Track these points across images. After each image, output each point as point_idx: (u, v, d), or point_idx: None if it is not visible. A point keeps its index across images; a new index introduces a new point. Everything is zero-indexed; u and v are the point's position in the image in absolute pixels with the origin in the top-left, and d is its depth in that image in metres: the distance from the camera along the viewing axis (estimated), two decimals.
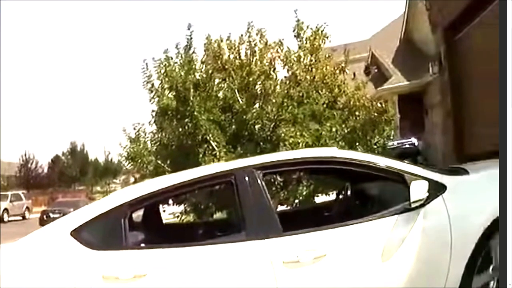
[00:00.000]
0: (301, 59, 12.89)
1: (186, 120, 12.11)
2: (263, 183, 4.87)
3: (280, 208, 10.63)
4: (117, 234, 4.71)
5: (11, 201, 44.78)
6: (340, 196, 6.93)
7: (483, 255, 4.68)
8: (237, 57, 13.21)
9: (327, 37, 12.84)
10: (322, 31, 12.82)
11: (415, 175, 4.86)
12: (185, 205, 12.54)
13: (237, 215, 4.95)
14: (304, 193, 11.51)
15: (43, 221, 31.86)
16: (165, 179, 5.57)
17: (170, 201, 11.30)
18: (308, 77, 12.45)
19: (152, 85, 12.98)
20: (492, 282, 4.76)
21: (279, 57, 12.94)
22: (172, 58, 13.02)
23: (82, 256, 4.56)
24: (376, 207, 5.20)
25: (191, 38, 13.01)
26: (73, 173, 76.91)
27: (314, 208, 8.11)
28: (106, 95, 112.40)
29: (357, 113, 12.38)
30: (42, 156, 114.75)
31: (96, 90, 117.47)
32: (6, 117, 71.55)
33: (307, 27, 12.97)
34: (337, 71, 12.92)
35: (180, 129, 12.61)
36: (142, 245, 5.22)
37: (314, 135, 11.42)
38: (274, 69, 13.03)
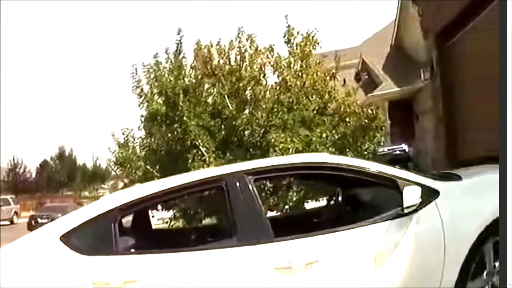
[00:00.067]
0: (292, 65, 12.89)
1: (175, 125, 12.09)
2: (254, 189, 4.83)
3: (271, 214, 10.56)
4: (107, 239, 4.66)
5: None
6: (332, 202, 6.89)
7: (476, 260, 4.68)
8: (227, 62, 13.20)
9: (317, 43, 12.84)
10: (312, 37, 12.82)
11: (408, 180, 4.84)
12: (174, 211, 12.47)
13: (228, 220, 4.90)
14: (294, 199, 11.47)
15: (31, 226, 31.80)
16: (156, 184, 5.52)
17: (159, 207, 11.18)
18: (298, 83, 12.43)
19: (142, 90, 12.94)
20: (486, 287, 4.75)
21: (269, 62, 12.92)
22: (161, 63, 13.02)
23: (71, 261, 4.50)
24: (368, 212, 5.18)
25: (181, 43, 13.02)
26: (61, 178, 76.65)
27: (306, 214, 8.06)
28: (95, 99, 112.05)
29: (347, 119, 12.38)
30: (30, 160, 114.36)
31: (85, 94, 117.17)
32: None
33: (298, 33, 12.99)
34: (328, 77, 12.90)
35: (169, 135, 12.59)
36: (132, 250, 5.17)
37: (304, 141, 11.40)
38: (264, 75, 13.02)
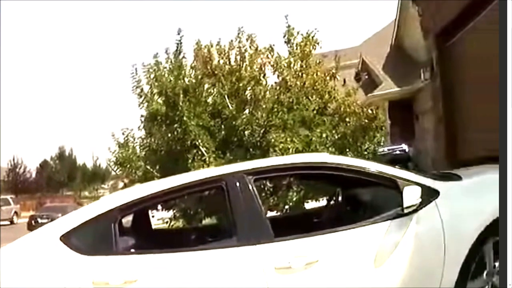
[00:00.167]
0: (292, 65, 12.88)
1: (175, 125, 12.08)
2: (254, 189, 4.83)
3: (271, 214, 10.55)
4: (107, 239, 4.65)
5: None
6: (331, 202, 6.88)
7: (477, 260, 4.68)
8: (227, 62, 13.20)
9: (317, 43, 12.83)
10: (312, 37, 12.81)
11: (408, 180, 4.84)
12: (174, 211, 12.46)
13: (228, 220, 4.90)
14: (294, 199, 11.46)
15: (31, 226, 31.79)
16: (156, 184, 5.51)
17: (159, 207, 11.18)
18: (298, 83, 12.42)
19: (142, 90, 12.93)
20: (486, 287, 4.75)
21: (269, 62, 12.91)
22: (161, 63, 13.01)
23: (71, 261, 4.50)
24: (368, 212, 5.18)
25: (180, 43, 13.02)
26: (61, 178, 76.61)
27: (306, 214, 8.06)
28: (95, 99, 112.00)
29: (347, 119, 12.37)
30: (30, 160, 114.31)
31: (85, 94, 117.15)
32: None
33: (298, 33, 12.98)
34: (328, 77, 12.89)
35: (169, 135, 12.59)
36: (132, 250, 5.17)
37: (304, 141, 11.39)
38: (264, 75, 13.02)
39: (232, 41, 13.24)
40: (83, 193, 77.17)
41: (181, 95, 12.07)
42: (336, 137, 11.92)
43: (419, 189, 4.60)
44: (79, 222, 4.73)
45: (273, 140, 11.29)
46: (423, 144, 23.53)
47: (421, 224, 4.65)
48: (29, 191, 70.01)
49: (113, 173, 24.85)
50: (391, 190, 4.82)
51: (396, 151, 25.07)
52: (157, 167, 12.80)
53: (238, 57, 13.12)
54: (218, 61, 13.24)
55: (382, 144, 13.92)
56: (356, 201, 6.02)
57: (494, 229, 4.60)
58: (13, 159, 74.88)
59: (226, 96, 12.51)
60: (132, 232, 5.72)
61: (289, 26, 12.93)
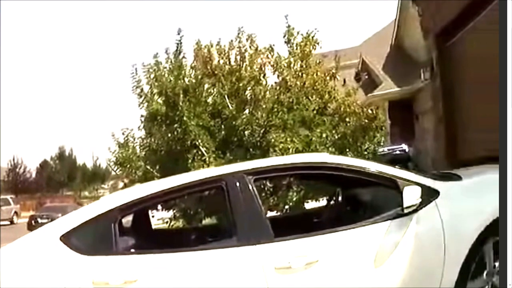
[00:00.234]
0: (292, 65, 12.87)
1: (175, 125, 12.07)
2: (254, 189, 4.83)
3: (271, 214, 10.55)
4: (107, 239, 4.66)
5: None
6: (332, 202, 6.88)
7: (477, 260, 4.68)
8: (227, 62, 13.19)
9: (317, 43, 12.82)
10: (312, 37, 12.80)
11: (408, 180, 4.84)
12: (174, 211, 12.45)
13: (228, 220, 4.90)
14: (294, 199, 11.45)
15: (31, 226, 31.80)
16: (156, 184, 5.52)
17: (159, 207, 11.17)
18: (298, 83, 12.41)
19: (141, 90, 12.92)
20: (486, 287, 4.75)
21: (269, 62, 12.90)
22: (161, 63, 13.00)
23: (71, 261, 4.50)
24: (368, 212, 5.19)
25: (180, 43, 13.00)
26: (61, 178, 76.56)
27: (306, 214, 8.06)
28: (95, 99, 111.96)
29: (347, 119, 12.35)
30: (30, 160, 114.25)
31: (85, 94, 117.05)
32: None
33: (298, 33, 12.97)
34: (328, 77, 12.87)
35: (169, 135, 12.58)
36: (132, 250, 5.17)
37: (304, 141, 11.38)
38: (264, 74, 13.00)
39: (232, 41, 13.24)
40: (83, 193, 77.11)
41: (181, 95, 12.06)
42: (336, 137, 11.91)
43: (419, 189, 4.60)
44: (79, 222, 4.73)
45: (273, 140, 11.28)
46: (423, 144, 23.55)
47: (421, 224, 4.65)
48: (29, 191, 70.00)
49: (113, 173, 24.81)
50: (391, 190, 4.82)
51: (396, 151, 25.08)
52: (157, 167, 12.79)
53: (238, 57, 13.11)
54: (218, 61, 13.23)
55: (382, 144, 13.92)
56: (356, 201, 6.02)
57: (494, 229, 4.60)
58: (13, 159, 74.92)
59: (226, 96, 12.50)
60: (132, 232, 5.71)
61: (289, 26, 12.93)
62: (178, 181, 5.11)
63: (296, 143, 11.15)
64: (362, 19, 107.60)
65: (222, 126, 12.49)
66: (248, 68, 12.89)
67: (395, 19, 29.81)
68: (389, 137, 22.21)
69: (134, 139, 13.51)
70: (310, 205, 11.78)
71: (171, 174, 6.47)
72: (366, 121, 12.25)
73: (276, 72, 12.87)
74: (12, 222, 45.41)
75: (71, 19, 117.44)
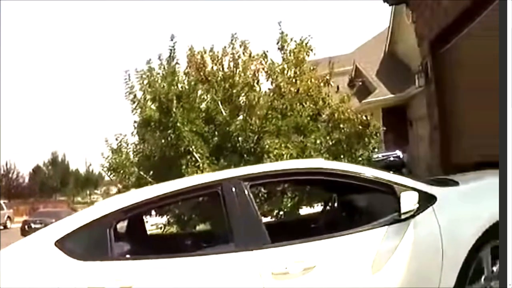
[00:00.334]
0: (285, 71, 12.82)
1: (169, 131, 12.02)
2: (250, 194, 4.84)
3: (267, 219, 10.53)
4: (102, 245, 4.65)
5: None
6: (327, 208, 6.87)
7: (474, 265, 4.70)
8: (221, 68, 13.14)
9: (311, 50, 12.77)
10: (306, 44, 12.76)
11: (405, 186, 4.85)
12: (168, 216, 12.40)
13: (225, 226, 4.87)
14: (289, 205, 11.42)
15: (24, 231, 31.75)
16: (151, 190, 5.49)
17: (153, 212, 11.13)
18: (292, 89, 12.36)
19: (135, 96, 12.86)
20: None
21: (263, 69, 12.86)
22: (154, 69, 12.93)
23: (66, 266, 4.48)
24: (364, 218, 5.19)
25: (174, 49, 12.95)
26: (54, 183, 76.56)
27: (303, 220, 8.07)
28: (88, 105, 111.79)
29: (341, 125, 12.30)
30: (23, 166, 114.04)
31: (78, 100, 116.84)
32: None
33: (291, 39, 12.92)
34: (322, 84, 12.84)
35: (163, 140, 12.52)
36: (128, 256, 5.14)
37: (299, 147, 11.37)
38: (258, 81, 12.95)
39: (225, 47, 13.18)
40: (76, 198, 77.14)
41: (175, 101, 12.01)
42: (331, 143, 11.88)
43: (416, 194, 4.62)
44: (74, 227, 4.71)
45: (267, 146, 11.25)
46: (417, 150, 23.60)
47: (418, 230, 4.66)
48: (22, 196, 70.00)
49: (106, 178, 24.77)
50: (388, 196, 4.83)
51: (390, 157, 25.15)
52: (151, 173, 12.72)
53: (232, 64, 13.06)
54: (212, 67, 13.18)
55: (376, 150, 13.91)
56: (352, 207, 6.03)
57: (491, 234, 4.62)
58: (6, 164, 74.88)
59: (219, 102, 12.46)
60: (127, 237, 5.68)
61: (282, 32, 12.88)
62: (174, 187, 5.09)
63: (291, 149, 11.12)
64: (356, 25, 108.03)
65: (216, 132, 12.45)
66: (242, 74, 12.84)
67: (389, 26, 29.91)
68: (383, 143, 22.26)
69: (128, 145, 13.42)
70: (304, 211, 11.74)
71: (165, 180, 6.44)
72: (360, 127, 12.21)
73: (270, 79, 12.81)
74: (5, 227, 45.28)
75: (64, 25, 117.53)
